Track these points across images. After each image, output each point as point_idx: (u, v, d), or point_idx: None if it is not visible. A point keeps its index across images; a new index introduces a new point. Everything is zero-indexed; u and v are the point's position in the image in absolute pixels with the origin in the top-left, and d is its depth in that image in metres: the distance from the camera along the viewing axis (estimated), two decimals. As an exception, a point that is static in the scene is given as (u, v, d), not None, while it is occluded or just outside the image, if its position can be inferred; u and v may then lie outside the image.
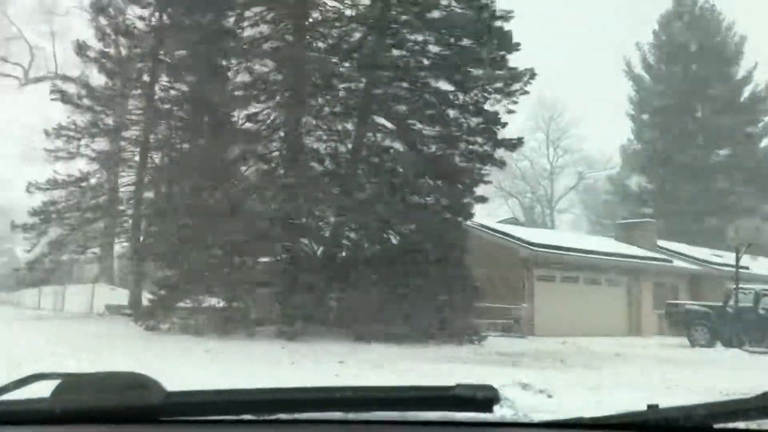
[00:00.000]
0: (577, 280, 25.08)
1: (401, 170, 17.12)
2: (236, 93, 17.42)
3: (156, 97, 22.66)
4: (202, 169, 17.30)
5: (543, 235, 26.74)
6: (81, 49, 21.68)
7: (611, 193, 51.49)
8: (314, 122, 17.72)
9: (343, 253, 17.14)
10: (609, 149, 55.22)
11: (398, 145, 17.32)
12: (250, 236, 16.82)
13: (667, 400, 1.35)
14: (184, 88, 19.44)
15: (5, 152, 40.50)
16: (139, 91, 22.77)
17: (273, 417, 1.33)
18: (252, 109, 17.48)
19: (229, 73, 17.27)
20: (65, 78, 21.82)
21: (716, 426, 1.22)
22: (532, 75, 16.26)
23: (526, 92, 16.52)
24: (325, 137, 17.72)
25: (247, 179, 17.43)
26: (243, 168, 17.88)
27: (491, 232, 23.77)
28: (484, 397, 1.22)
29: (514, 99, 16.56)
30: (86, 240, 22.79)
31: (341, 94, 17.25)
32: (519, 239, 23.53)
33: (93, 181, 22.50)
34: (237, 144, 17.34)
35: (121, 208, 22.95)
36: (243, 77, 17.76)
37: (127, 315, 20.82)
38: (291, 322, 14.69)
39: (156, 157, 22.99)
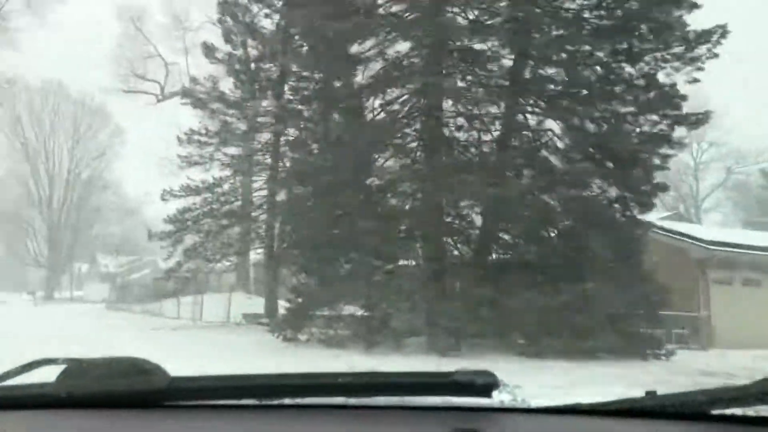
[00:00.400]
0: (760, 283, 21.23)
1: (560, 157, 14.61)
2: (369, 80, 15.67)
3: (285, 96, 21.50)
4: (336, 167, 15.67)
5: (716, 233, 23.03)
6: (209, 50, 20.85)
7: (767, 188, 45.91)
8: (456, 107, 15.58)
9: (496, 255, 14.81)
10: (761, 140, 49.47)
11: (555, 129, 14.80)
12: (390, 237, 14.98)
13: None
14: (315, 81, 17.98)
15: (147, 167, 41.56)
16: (269, 92, 21.64)
17: (276, 402, 1.31)
18: (387, 97, 15.63)
19: (361, 56, 15.45)
20: (195, 81, 21.08)
21: (714, 412, 1.20)
22: (724, 33, 13.18)
23: (715, 55, 13.44)
24: (468, 123, 15.55)
25: (384, 175, 15.53)
26: (379, 163, 16.05)
27: (655, 230, 20.49)
28: (484, 383, 1.21)
29: (699, 65, 13.53)
30: (222, 247, 21.88)
31: (486, 73, 15.00)
32: (691, 237, 20.14)
33: (226, 186, 21.57)
34: (372, 136, 15.51)
35: (255, 213, 21.84)
36: (376, 63, 16.01)
37: (263, 324, 19.64)
38: (444, 335, 12.52)
39: (287, 159, 21.80)
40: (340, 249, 14.78)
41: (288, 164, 21.82)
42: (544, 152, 14.71)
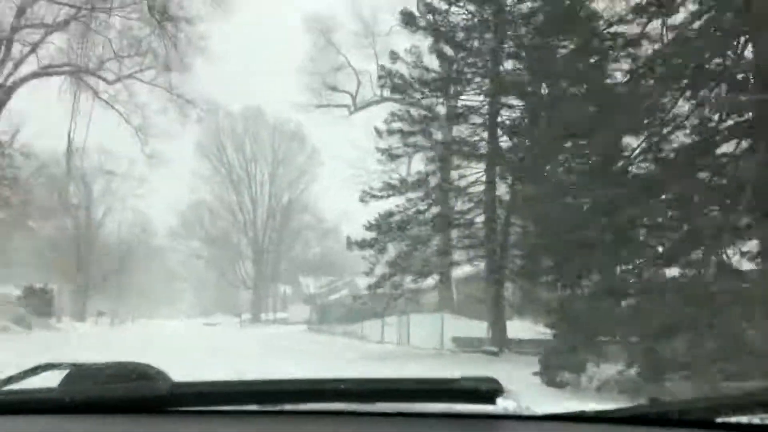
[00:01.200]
0: None
1: None
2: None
3: (501, 69, 16.87)
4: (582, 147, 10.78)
5: None
6: (408, 18, 16.72)
7: None
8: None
9: None
10: None
11: None
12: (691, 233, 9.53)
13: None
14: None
15: (343, 185, 39.12)
16: (480, 67, 17.02)
17: (277, 408, 1.26)
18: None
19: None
20: (395, 57, 17.03)
21: (718, 420, 1.13)
22: None
23: None
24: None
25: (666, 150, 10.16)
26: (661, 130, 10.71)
27: None
28: (488, 390, 1.16)
29: None
30: (431, 255, 17.51)
31: None
32: None
33: (433, 182, 17.18)
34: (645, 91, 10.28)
35: (470, 215, 17.15)
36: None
37: (490, 353, 14.88)
38: None
39: (504, 144, 17.07)
40: (613, 254, 9.69)
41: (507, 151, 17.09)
42: None
